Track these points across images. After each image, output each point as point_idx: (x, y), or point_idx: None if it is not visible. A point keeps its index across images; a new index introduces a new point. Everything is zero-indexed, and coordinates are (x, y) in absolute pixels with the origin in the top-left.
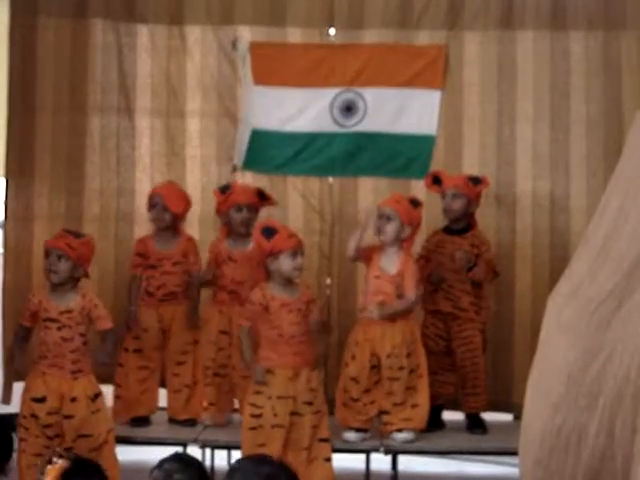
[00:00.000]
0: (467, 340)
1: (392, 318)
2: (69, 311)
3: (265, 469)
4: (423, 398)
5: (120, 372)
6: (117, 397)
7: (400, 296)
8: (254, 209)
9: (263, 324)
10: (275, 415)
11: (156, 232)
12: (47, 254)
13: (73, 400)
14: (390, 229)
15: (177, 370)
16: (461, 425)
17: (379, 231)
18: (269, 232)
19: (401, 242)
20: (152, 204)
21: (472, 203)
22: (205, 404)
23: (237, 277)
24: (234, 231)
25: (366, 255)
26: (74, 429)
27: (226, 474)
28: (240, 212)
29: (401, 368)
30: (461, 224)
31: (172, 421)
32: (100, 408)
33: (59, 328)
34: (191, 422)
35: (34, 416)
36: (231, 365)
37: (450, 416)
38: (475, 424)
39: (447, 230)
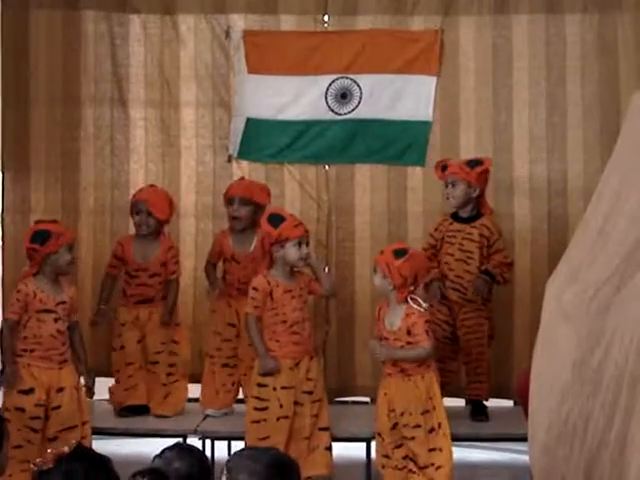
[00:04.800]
0: (473, 329)
1: (407, 373)
2: (63, 302)
3: (266, 457)
4: (446, 458)
5: (114, 367)
6: (114, 387)
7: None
8: (248, 204)
9: (267, 311)
10: (281, 406)
11: (136, 235)
12: (71, 248)
13: (60, 390)
14: (376, 282)
15: (153, 369)
16: (461, 412)
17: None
18: (276, 219)
19: (398, 294)
20: (136, 210)
21: (472, 187)
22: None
23: (242, 278)
24: (233, 227)
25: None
26: (60, 421)
27: (225, 464)
28: (231, 205)
29: (417, 426)
30: (468, 211)
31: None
32: (82, 398)
33: (55, 320)
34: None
35: (19, 409)
36: (238, 356)
37: (450, 403)
38: (478, 411)
39: (455, 217)
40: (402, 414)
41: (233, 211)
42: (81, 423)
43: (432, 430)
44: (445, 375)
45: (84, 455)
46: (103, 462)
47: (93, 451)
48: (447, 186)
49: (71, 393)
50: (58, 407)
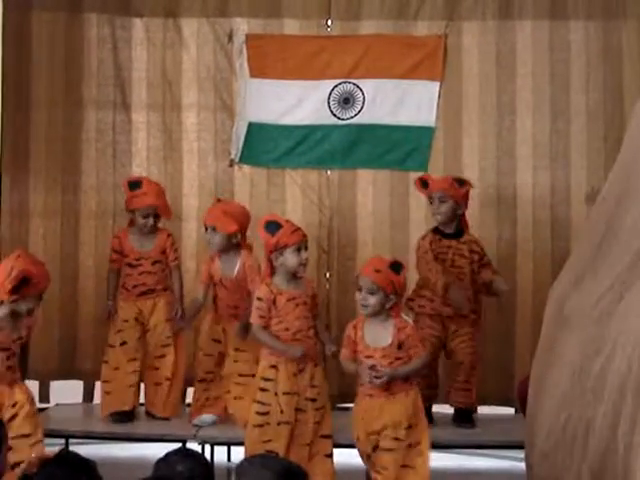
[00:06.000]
0: (467, 337)
1: (392, 391)
2: (20, 338)
3: (276, 465)
4: (421, 477)
5: (107, 368)
6: (106, 393)
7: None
8: (218, 231)
9: (270, 319)
10: (282, 412)
11: (133, 228)
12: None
13: (14, 405)
14: (373, 302)
15: (157, 364)
16: None
17: (361, 305)
18: (273, 227)
19: (388, 310)
20: (144, 214)
21: (459, 205)
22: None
23: (230, 302)
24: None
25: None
26: (15, 429)
27: (235, 468)
28: (207, 232)
29: (396, 439)
30: (452, 227)
31: (149, 415)
32: (34, 414)
33: (8, 357)
34: (167, 419)
35: None
36: (218, 372)
37: (448, 410)
38: (464, 418)
39: (439, 232)
40: (385, 428)
41: (206, 237)
42: (34, 432)
43: (410, 446)
44: (428, 389)
45: (67, 460)
46: (86, 466)
47: (78, 456)
48: (432, 201)
49: (23, 406)
50: (14, 417)
